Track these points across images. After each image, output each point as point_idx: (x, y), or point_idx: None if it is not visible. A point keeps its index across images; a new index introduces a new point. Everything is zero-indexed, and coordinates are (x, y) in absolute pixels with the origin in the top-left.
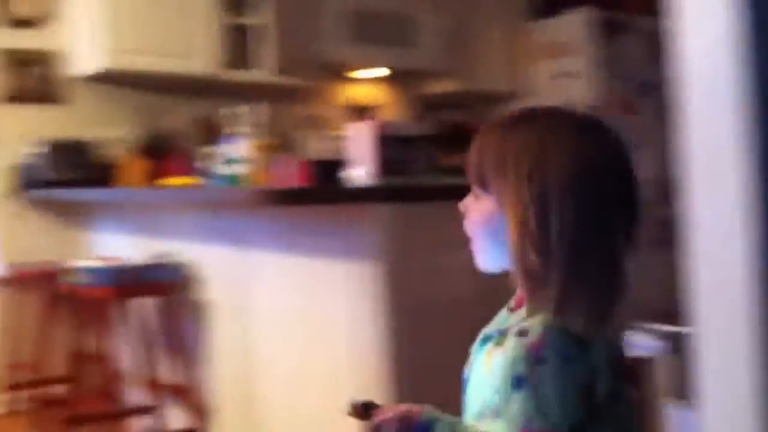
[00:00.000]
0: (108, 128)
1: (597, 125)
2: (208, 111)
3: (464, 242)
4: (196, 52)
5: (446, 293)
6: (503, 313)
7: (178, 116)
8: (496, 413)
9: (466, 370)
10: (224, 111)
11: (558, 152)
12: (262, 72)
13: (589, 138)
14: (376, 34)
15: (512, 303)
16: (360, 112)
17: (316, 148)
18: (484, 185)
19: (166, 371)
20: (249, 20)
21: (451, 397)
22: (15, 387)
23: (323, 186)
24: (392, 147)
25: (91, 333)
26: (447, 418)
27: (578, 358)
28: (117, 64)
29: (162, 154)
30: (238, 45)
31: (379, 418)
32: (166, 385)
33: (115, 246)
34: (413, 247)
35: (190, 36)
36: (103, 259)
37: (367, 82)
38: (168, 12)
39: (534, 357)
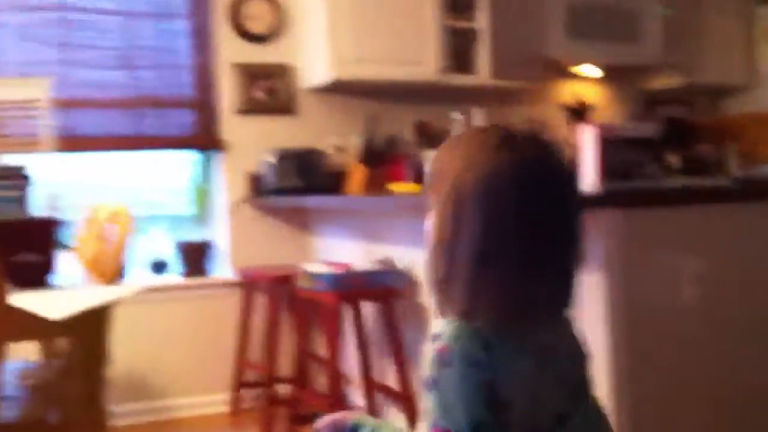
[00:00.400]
0: (335, 137)
1: (524, 145)
2: (428, 116)
3: (702, 246)
4: (419, 59)
5: (677, 300)
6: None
7: (400, 122)
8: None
9: None
10: (446, 115)
11: (476, 173)
12: (480, 75)
13: (508, 163)
14: (594, 29)
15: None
16: (578, 112)
17: None
18: (431, 198)
19: (387, 375)
20: (467, 24)
21: (681, 407)
22: (244, 385)
23: None
24: (617, 150)
25: (316, 335)
26: (375, 422)
27: (482, 361)
28: (343, 74)
29: (385, 160)
30: (458, 49)
31: (318, 424)
32: (387, 388)
33: (341, 251)
34: (644, 255)
35: (413, 43)
36: (330, 264)
37: (585, 81)
38: (391, 20)
39: (441, 360)
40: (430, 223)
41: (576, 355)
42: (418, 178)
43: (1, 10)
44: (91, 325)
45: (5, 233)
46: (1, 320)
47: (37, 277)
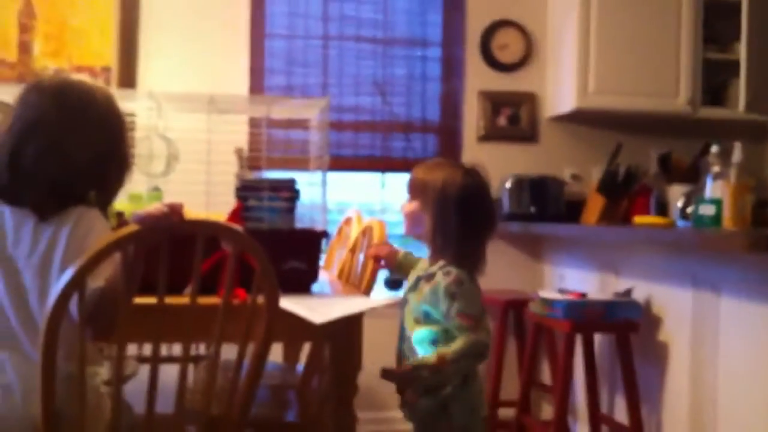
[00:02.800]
0: (574, 166)
1: (474, 173)
2: (671, 149)
3: None
4: (669, 90)
5: None
6: (423, 265)
7: (641, 154)
8: (429, 319)
9: (402, 303)
10: (690, 149)
11: (449, 187)
12: (732, 109)
13: (471, 184)
14: None
15: (428, 260)
16: None
17: None
18: (414, 196)
19: (614, 409)
20: (724, 55)
21: None
22: None
23: None
24: None
25: (541, 363)
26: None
27: (473, 283)
28: (586, 104)
29: (625, 192)
30: (711, 81)
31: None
32: (614, 422)
33: (573, 281)
34: None
35: (664, 74)
36: (565, 292)
37: None
38: (643, 51)
39: (458, 282)
40: (409, 207)
41: None
42: (662, 211)
43: (271, 37)
44: (347, 332)
45: (275, 242)
46: (272, 322)
47: (301, 284)
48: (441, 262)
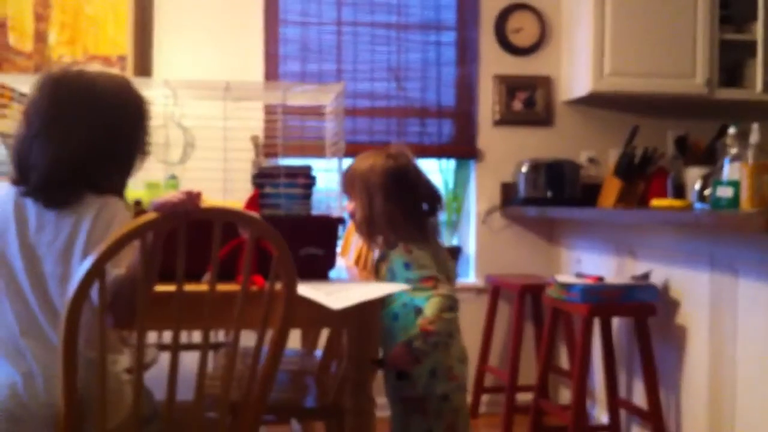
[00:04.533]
0: (590, 149)
1: (395, 156)
2: (688, 131)
3: None
4: (686, 72)
5: None
6: (380, 254)
7: (658, 137)
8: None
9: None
10: (708, 130)
11: (371, 174)
12: (749, 90)
13: (392, 167)
14: None
15: (379, 246)
16: None
17: None
18: (348, 193)
19: (632, 392)
20: (741, 36)
21: None
22: (484, 390)
23: None
24: None
25: (562, 346)
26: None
27: (420, 247)
28: (602, 86)
29: (641, 174)
30: (728, 62)
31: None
32: (632, 406)
33: (589, 265)
34: None
35: (681, 56)
36: (581, 276)
37: None
38: (659, 33)
39: (407, 253)
40: (349, 207)
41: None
42: (679, 194)
43: (285, 24)
44: (365, 317)
45: (292, 228)
46: (290, 308)
47: (319, 270)
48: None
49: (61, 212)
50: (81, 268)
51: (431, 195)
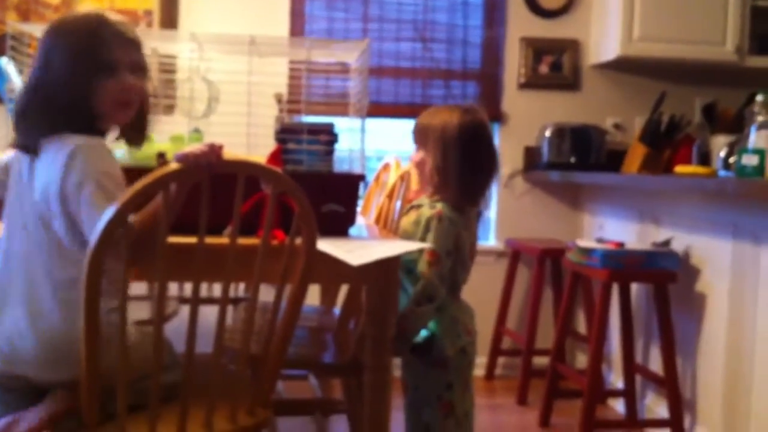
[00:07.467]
0: (616, 115)
1: (472, 111)
2: (715, 98)
3: None
4: (715, 38)
5: None
6: (421, 199)
7: (685, 104)
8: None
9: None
10: (735, 98)
11: (448, 128)
12: None
13: (469, 122)
14: None
15: (427, 195)
16: None
17: None
18: (419, 144)
19: (649, 359)
20: None
21: None
22: (501, 353)
23: None
24: None
25: (580, 311)
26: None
27: (456, 222)
28: (631, 51)
29: (668, 141)
30: (759, 29)
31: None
32: (648, 372)
33: (611, 230)
34: None
35: (710, 22)
36: (603, 242)
37: None
38: None
39: (437, 217)
40: (416, 157)
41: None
42: (704, 162)
43: None
44: (384, 275)
45: (314, 184)
46: (310, 264)
47: (339, 226)
48: (436, 197)
49: (35, 160)
50: (103, 218)
51: (494, 158)
